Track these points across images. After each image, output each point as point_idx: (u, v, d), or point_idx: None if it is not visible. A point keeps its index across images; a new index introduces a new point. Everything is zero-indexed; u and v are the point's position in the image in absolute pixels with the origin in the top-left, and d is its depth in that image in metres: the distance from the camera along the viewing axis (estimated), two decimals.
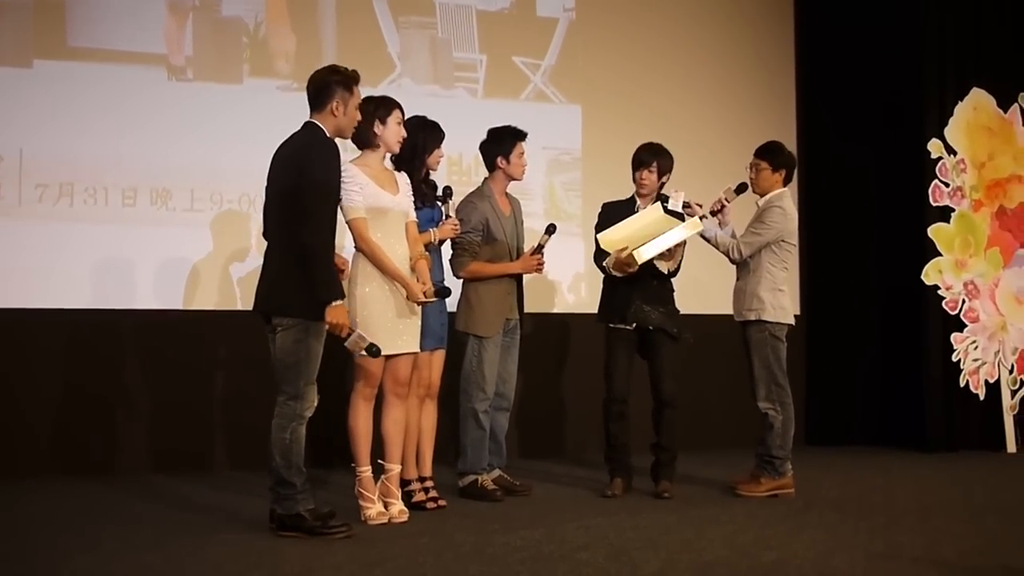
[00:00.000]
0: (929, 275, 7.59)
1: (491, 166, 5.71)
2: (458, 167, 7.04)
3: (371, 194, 4.75)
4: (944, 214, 7.68)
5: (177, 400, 6.47)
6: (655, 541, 4.46)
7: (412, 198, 5.00)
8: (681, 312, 5.75)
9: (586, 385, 6.70)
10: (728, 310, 5.87)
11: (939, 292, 7.62)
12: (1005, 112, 7.91)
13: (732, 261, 5.77)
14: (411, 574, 3.88)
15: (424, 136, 5.26)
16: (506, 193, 5.75)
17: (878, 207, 8.10)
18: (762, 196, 5.78)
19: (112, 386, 6.40)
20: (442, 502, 5.24)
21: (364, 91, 5.05)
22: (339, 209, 4.66)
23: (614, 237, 5.52)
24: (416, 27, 7.24)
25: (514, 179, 5.74)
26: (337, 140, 4.62)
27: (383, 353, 4.62)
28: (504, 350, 5.67)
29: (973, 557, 4.24)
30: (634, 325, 5.62)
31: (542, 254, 5.64)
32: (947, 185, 7.68)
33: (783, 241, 5.72)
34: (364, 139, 4.84)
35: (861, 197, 8.15)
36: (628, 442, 5.70)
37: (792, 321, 5.78)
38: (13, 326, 6.17)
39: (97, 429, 6.35)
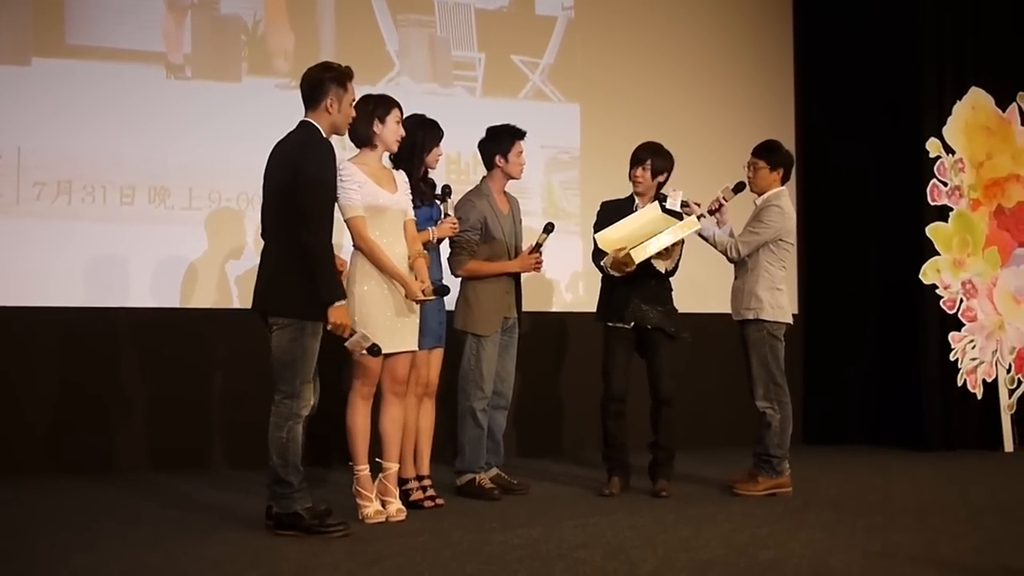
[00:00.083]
0: (927, 274, 7.59)
1: (489, 165, 5.71)
2: (456, 165, 7.04)
3: (369, 192, 4.75)
4: (942, 213, 7.68)
5: (175, 398, 6.47)
6: (653, 540, 4.46)
7: (410, 196, 5.00)
8: (679, 311, 5.76)
9: (584, 384, 6.70)
10: (726, 309, 5.87)
11: (937, 291, 7.62)
12: (1003, 111, 7.91)
13: (730, 260, 5.77)
14: (409, 573, 3.88)
15: (423, 135, 5.26)
16: (504, 192, 5.75)
17: (876, 206, 8.11)
18: (760, 195, 5.78)
19: (110, 384, 6.40)
20: (440, 501, 5.25)
21: (362, 90, 5.06)
22: (336, 208, 4.67)
23: (612, 236, 5.52)
24: (415, 25, 7.24)
25: (512, 178, 5.74)
26: (336, 138, 4.62)
27: (382, 351, 4.63)
28: (502, 349, 5.67)
29: (970, 556, 4.24)
30: (632, 324, 5.62)
31: (540, 253, 5.64)
32: (945, 184, 7.68)
33: (781, 240, 5.72)
34: (363, 137, 4.84)
35: (859, 196, 8.15)
36: (626, 441, 5.70)
37: (790, 320, 5.78)
38: (11, 324, 6.17)
39: (95, 427, 6.35)
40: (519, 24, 7.55)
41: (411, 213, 4.97)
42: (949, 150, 7.69)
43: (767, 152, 5.80)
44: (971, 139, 7.78)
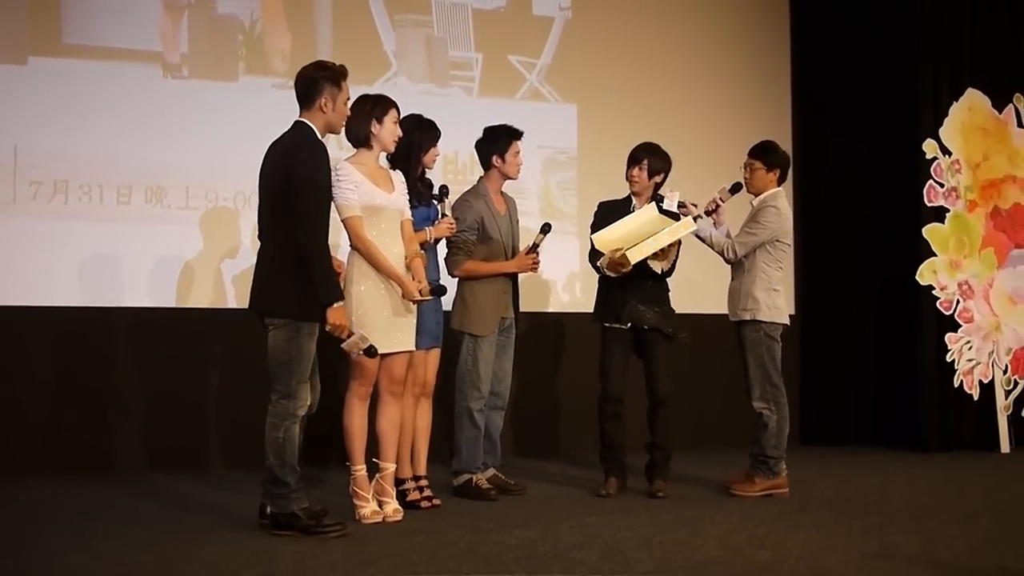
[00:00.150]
0: (924, 275, 7.60)
1: (486, 165, 5.70)
2: (454, 165, 7.04)
3: (366, 192, 4.75)
4: (939, 214, 7.68)
5: (172, 398, 6.47)
6: (649, 540, 4.46)
7: (407, 196, 5.00)
8: (676, 312, 5.75)
9: (581, 384, 6.71)
10: (723, 310, 5.87)
11: (934, 292, 7.62)
12: (1000, 113, 7.91)
13: (727, 261, 5.77)
14: (405, 573, 3.88)
15: (420, 135, 5.26)
16: (502, 192, 5.75)
17: (873, 207, 8.12)
18: (756, 196, 5.78)
19: (107, 384, 6.39)
20: (436, 501, 5.24)
21: (359, 90, 5.07)
22: (332, 207, 4.66)
23: (608, 237, 5.52)
24: (412, 25, 7.24)
25: (509, 178, 5.73)
26: (333, 138, 4.62)
27: (379, 352, 4.63)
28: (499, 349, 5.66)
29: (967, 557, 4.24)
30: (629, 325, 5.62)
31: (537, 253, 5.63)
32: (942, 185, 7.68)
33: (778, 241, 5.72)
34: (360, 137, 4.84)
35: (856, 197, 8.16)
36: (623, 441, 5.70)
37: (787, 321, 5.79)
38: (7, 323, 6.16)
39: (92, 427, 6.34)
40: (516, 24, 7.55)
41: (408, 213, 4.97)
42: (946, 151, 7.70)
43: (763, 153, 5.80)
44: (968, 140, 7.78)
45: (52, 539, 4.43)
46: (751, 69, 8.27)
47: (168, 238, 6.51)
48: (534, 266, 5.66)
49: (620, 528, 4.73)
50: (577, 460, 6.89)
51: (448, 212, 5.38)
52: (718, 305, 6.02)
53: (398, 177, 4.98)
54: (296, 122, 4.59)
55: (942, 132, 7.70)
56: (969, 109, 7.81)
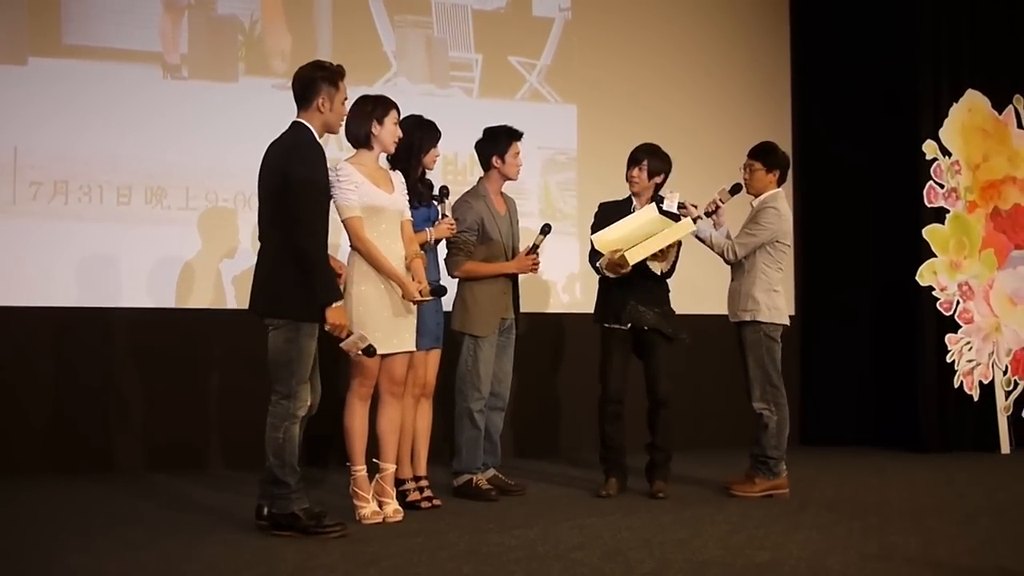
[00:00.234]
0: (924, 276, 7.60)
1: (486, 165, 5.70)
2: (454, 166, 7.04)
3: (366, 193, 4.75)
4: (939, 215, 7.69)
5: (172, 398, 6.47)
6: (649, 541, 4.46)
7: (407, 197, 5.00)
8: (676, 312, 5.75)
9: (581, 385, 6.71)
10: (723, 310, 5.87)
11: (933, 293, 7.63)
12: (1000, 114, 7.92)
13: (727, 262, 5.77)
14: (405, 574, 3.88)
15: (420, 135, 5.26)
16: (501, 192, 5.75)
17: (873, 208, 8.12)
18: (756, 197, 5.78)
19: (107, 384, 6.39)
20: (437, 502, 5.24)
21: (359, 90, 5.08)
22: (332, 208, 4.66)
23: (608, 238, 5.52)
24: (412, 26, 7.24)
25: (509, 179, 5.73)
26: (334, 138, 4.61)
27: (379, 352, 4.63)
28: (500, 350, 5.66)
29: (967, 558, 4.24)
30: (629, 325, 5.62)
31: (537, 254, 5.63)
32: (942, 186, 7.68)
33: (778, 242, 5.72)
34: (361, 138, 4.83)
35: (856, 198, 8.16)
36: (623, 442, 5.70)
37: (787, 322, 5.78)
38: (7, 324, 6.16)
39: (91, 427, 6.34)
40: (516, 25, 7.55)
41: (408, 214, 4.97)
42: (946, 152, 7.70)
43: (763, 154, 5.80)
44: (967, 141, 7.79)
45: (52, 539, 4.43)
46: (751, 69, 8.27)
47: (168, 238, 6.51)
48: (534, 267, 5.66)
49: (620, 529, 4.73)
50: (577, 461, 6.89)
51: (448, 213, 5.39)
52: (718, 306, 6.02)
53: (398, 178, 4.98)
54: (293, 123, 4.59)
55: (942, 133, 7.70)
56: (969, 110, 7.82)
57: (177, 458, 6.42)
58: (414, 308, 4.89)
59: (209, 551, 4.20)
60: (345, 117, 4.68)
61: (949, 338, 7.64)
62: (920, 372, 7.66)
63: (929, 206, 7.65)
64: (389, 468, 4.94)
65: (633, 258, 5.38)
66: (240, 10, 6.80)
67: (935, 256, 7.63)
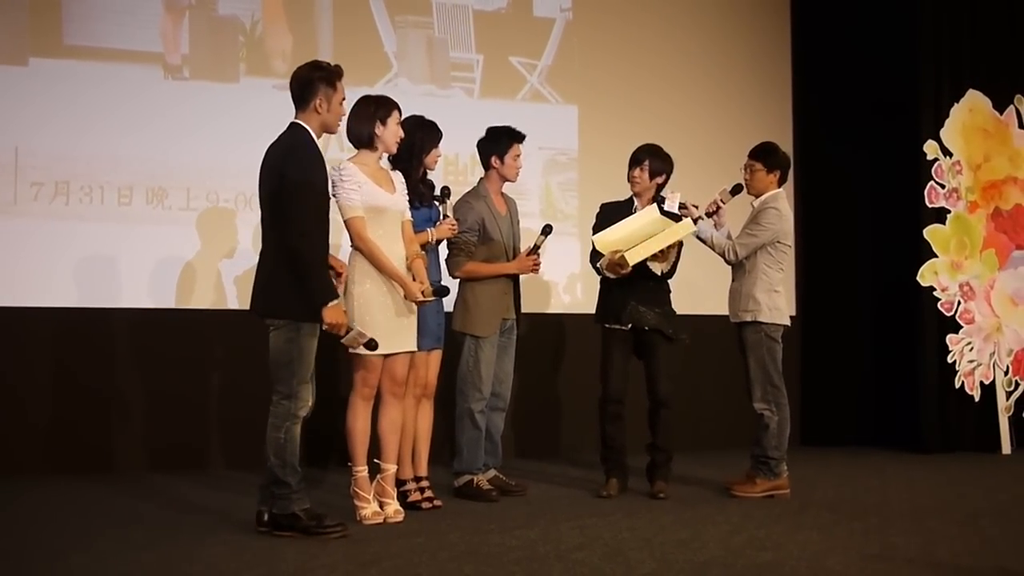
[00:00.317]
0: (925, 276, 7.60)
1: (486, 165, 5.70)
2: (454, 167, 7.04)
3: (369, 193, 4.75)
4: (940, 215, 7.69)
5: (173, 399, 6.47)
6: (650, 541, 4.46)
7: (407, 197, 5.00)
8: (677, 313, 5.75)
9: (582, 385, 6.71)
10: (723, 311, 5.87)
11: (935, 293, 7.63)
12: (1001, 114, 7.91)
13: (728, 262, 5.77)
14: (406, 574, 3.88)
15: (421, 136, 5.26)
16: (502, 193, 5.75)
17: (874, 208, 8.12)
18: (757, 197, 5.78)
19: (107, 385, 6.39)
20: (437, 502, 5.24)
21: (360, 91, 5.08)
22: (331, 208, 4.66)
23: (608, 239, 5.52)
24: (413, 27, 7.24)
25: (507, 180, 5.72)
26: (335, 138, 4.61)
27: (381, 352, 4.63)
28: (501, 350, 5.66)
29: (968, 558, 4.24)
30: (630, 326, 5.62)
31: (538, 254, 5.63)
32: (943, 187, 7.68)
33: (779, 242, 5.72)
34: (363, 139, 4.83)
35: (857, 198, 8.16)
36: (624, 442, 5.70)
37: (788, 322, 5.78)
38: (8, 324, 6.17)
39: (92, 428, 6.34)
40: (517, 26, 7.55)
41: (408, 214, 4.97)
42: (947, 152, 7.70)
43: (764, 154, 5.80)
44: (968, 141, 7.78)
45: (53, 540, 4.43)
46: (751, 70, 8.27)
47: (169, 239, 6.51)
48: (535, 267, 5.66)
49: (621, 529, 4.73)
50: (578, 461, 6.89)
51: (449, 213, 5.39)
52: (718, 306, 6.02)
53: (398, 178, 4.98)
54: (291, 124, 4.59)
55: (943, 133, 7.70)
56: (970, 110, 7.82)
57: (177, 458, 6.42)
58: (415, 308, 4.89)
59: (209, 552, 4.20)
60: (343, 117, 4.68)
61: (950, 338, 7.64)
62: (921, 372, 7.66)
63: (930, 206, 7.65)
64: (390, 468, 4.94)
65: (633, 259, 5.38)
66: (241, 11, 6.80)
67: (936, 256, 7.63)
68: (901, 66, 7.89)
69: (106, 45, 6.46)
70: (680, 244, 5.60)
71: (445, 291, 5.07)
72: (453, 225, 5.37)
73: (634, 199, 5.73)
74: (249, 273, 4.84)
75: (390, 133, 4.84)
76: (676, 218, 5.56)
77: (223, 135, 6.60)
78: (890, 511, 5.28)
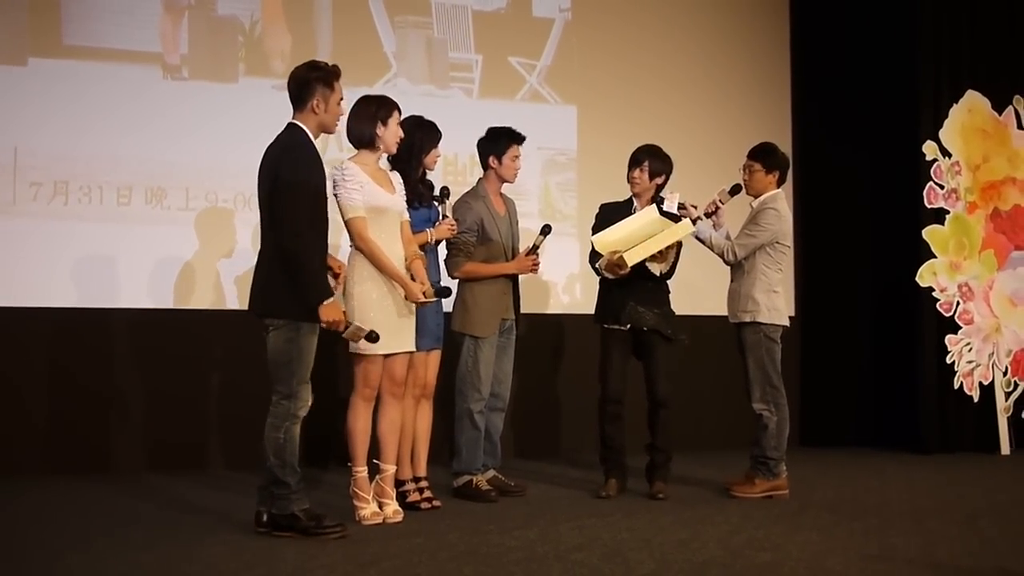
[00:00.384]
0: (923, 277, 7.60)
1: (485, 165, 5.70)
2: (454, 167, 7.04)
3: (371, 193, 4.75)
4: (939, 216, 7.69)
5: (172, 399, 6.47)
6: (649, 542, 4.46)
7: (405, 197, 5.00)
8: (676, 313, 5.75)
9: (581, 386, 6.71)
10: (722, 311, 5.87)
11: (933, 294, 7.63)
12: (1000, 114, 7.92)
13: (727, 263, 5.77)
14: (405, 574, 3.88)
15: (421, 136, 5.26)
16: (501, 193, 5.75)
17: (873, 209, 8.12)
18: (756, 198, 5.78)
19: (107, 385, 6.39)
20: (436, 502, 5.24)
21: (359, 91, 5.08)
22: (331, 208, 4.66)
23: (607, 239, 5.52)
24: (412, 27, 7.24)
25: (505, 181, 5.71)
26: (334, 138, 4.61)
27: (381, 352, 4.63)
28: (500, 350, 5.66)
29: (967, 559, 4.24)
30: (629, 326, 5.62)
31: (537, 255, 5.63)
32: (942, 187, 7.69)
33: (778, 243, 5.72)
34: (364, 139, 4.83)
35: (856, 199, 8.16)
36: (623, 443, 5.70)
37: (787, 322, 5.78)
38: (7, 324, 6.16)
39: (91, 428, 6.34)
40: (516, 26, 7.55)
41: (407, 214, 4.97)
42: (946, 153, 7.70)
43: (763, 155, 5.80)
44: (967, 142, 7.79)
45: (52, 540, 4.43)
46: (751, 70, 8.27)
47: (168, 239, 6.51)
48: (534, 267, 5.66)
49: (620, 529, 4.73)
50: (577, 461, 6.89)
51: (448, 214, 5.39)
52: (717, 307, 6.02)
53: (397, 178, 4.98)
54: (288, 124, 4.59)
55: (942, 134, 7.70)
56: (969, 111, 7.82)
57: (177, 459, 6.42)
58: (414, 308, 4.89)
59: (209, 552, 4.20)
60: (341, 117, 4.67)
61: (949, 339, 7.64)
62: (920, 373, 7.66)
63: (929, 207, 7.65)
64: (389, 469, 4.94)
65: (631, 259, 5.38)
66: (240, 11, 6.80)
67: (935, 257, 7.63)
68: (900, 66, 7.90)
69: (105, 45, 6.46)
70: (679, 245, 5.60)
71: (447, 292, 5.06)
72: (452, 225, 5.37)
73: (633, 199, 5.73)
74: (248, 273, 4.83)
75: (391, 133, 4.84)
76: (675, 218, 5.56)
77: (222, 135, 6.60)
78: (890, 512, 5.28)
